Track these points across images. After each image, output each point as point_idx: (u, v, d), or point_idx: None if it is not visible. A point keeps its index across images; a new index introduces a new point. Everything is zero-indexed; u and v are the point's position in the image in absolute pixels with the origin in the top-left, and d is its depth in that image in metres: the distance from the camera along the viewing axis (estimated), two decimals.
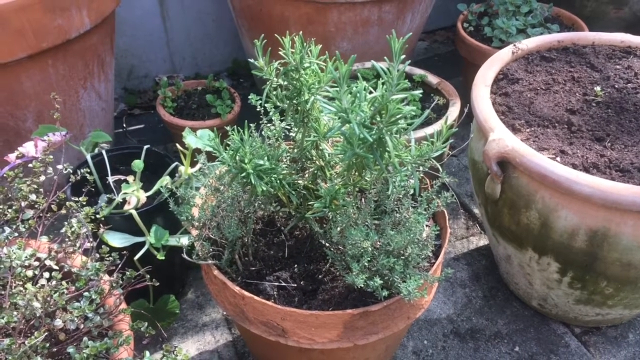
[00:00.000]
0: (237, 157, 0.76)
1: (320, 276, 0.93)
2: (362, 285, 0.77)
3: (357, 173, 0.86)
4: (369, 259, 0.79)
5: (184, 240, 1.16)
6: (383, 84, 0.69)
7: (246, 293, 0.85)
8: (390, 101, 0.69)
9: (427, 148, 0.77)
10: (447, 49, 2.36)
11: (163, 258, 1.13)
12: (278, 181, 0.82)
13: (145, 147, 1.22)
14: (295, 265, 0.95)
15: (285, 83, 0.84)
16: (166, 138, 1.74)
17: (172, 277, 1.30)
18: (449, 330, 1.25)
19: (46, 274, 0.80)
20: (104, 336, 0.77)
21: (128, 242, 1.10)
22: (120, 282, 0.79)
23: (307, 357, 0.94)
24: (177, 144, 1.04)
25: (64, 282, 0.79)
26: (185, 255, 0.88)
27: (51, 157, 0.94)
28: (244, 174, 0.75)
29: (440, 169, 0.86)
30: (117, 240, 1.09)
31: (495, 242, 1.25)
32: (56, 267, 0.83)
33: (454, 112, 1.43)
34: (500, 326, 1.26)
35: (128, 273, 0.80)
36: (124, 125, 1.84)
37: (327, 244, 0.96)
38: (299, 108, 0.84)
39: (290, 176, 0.87)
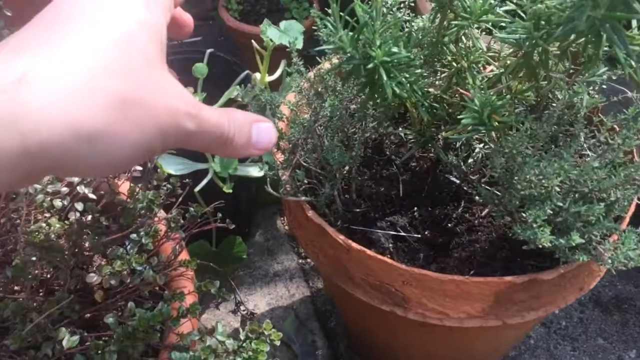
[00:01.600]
0: (362, 41, 0.49)
1: (450, 224, 0.67)
2: (547, 245, 0.50)
3: (525, 77, 0.58)
4: (557, 205, 0.51)
5: (254, 170, 0.92)
6: None
7: (354, 244, 0.60)
8: None
9: None
10: None
11: (230, 191, 0.89)
12: (409, 84, 0.54)
13: (209, 50, 0.96)
14: (415, 208, 0.68)
15: None
16: (229, 52, 1.48)
17: (237, 215, 1.06)
18: (587, 298, 0.98)
19: (79, 205, 0.56)
20: (158, 297, 0.53)
21: (187, 169, 0.86)
22: (182, 221, 0.55)
23: (427, 333, 0.70)
24: (254, 42, 0.78)
25: (102, 218, 0.55)
26: (269, 188, 0.63)
27: None
28: (370, 66, 0.48)
29: None
30: (174, 165, 0.85)
31: None
32: (93, 196, 0.60)
33: None
34: None
35: (192, 209, 0.55)
36: None
37: (458, 179, 0.69)
38: None
39: (422, 79, 0.59)
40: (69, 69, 0.30)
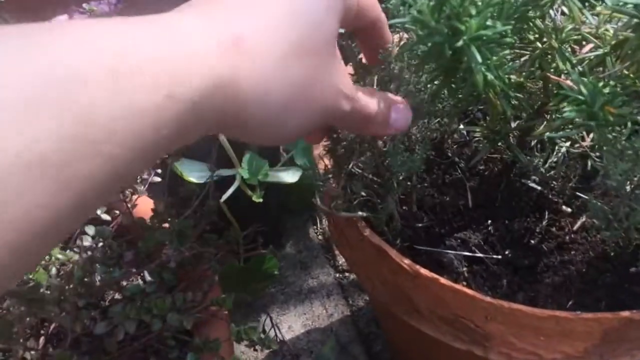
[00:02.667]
0: (446, 11, 0.37)
1: (533, 241, 0.55)
2: None
3: None
4: None
5: (287, 176, 0.81)
6: None
7: (423, 271, 0.48)
8: None
9: None
10: None
11: (260, 200, 0.78)
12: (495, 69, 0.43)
13: None
14: (489, 222, 0.57)
15: None
16: None
17: (266, 223, 0.95)
18: None
19: (89, 229, 0.45)
20: (186, 345, 0.42)
21: (211, 176, 0.75)
22: (213, 251, 0.44)
23: None
24: None
25: (114, 243, 0.44)
26: (319, 202, 0.52)
27: None
28: (459, 44, 0.36)
29: None
30: (196, 172, 0.74)
31: None
32: (107, 217, 0.49)
33: None
34: None
35: (229, 233, 0.44)
36: None
37: (539, 185, 0.57)
38: None
39: (507, 62, 0.47)
40: (276, 40, 0.33)
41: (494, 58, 0.41)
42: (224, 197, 0.76)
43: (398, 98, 0.45)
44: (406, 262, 0.49)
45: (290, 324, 0.86)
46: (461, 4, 0.37)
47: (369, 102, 0.42)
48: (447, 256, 0.52)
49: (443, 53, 0.38)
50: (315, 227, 1.01)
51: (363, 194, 0.52)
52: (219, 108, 0.31)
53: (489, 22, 0.37)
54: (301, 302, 0.89)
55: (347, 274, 0.94)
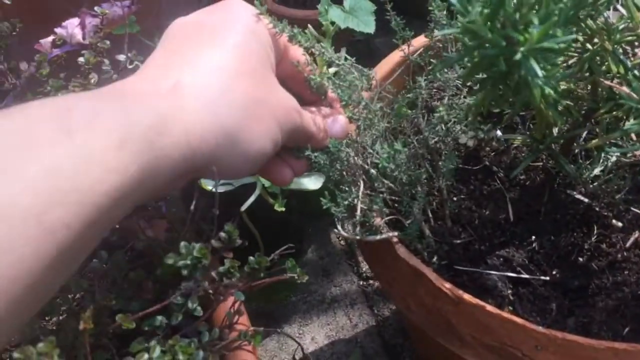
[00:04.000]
0: (501, 18, 0.33)
1: (582, 259, 0.51)
2: None
3: None
4: None
5: (310, 183, 0.77)
6: None
7: (466, 296, 0.45)
8: None
9: None
10: None
11: (283, 209, 0.75)
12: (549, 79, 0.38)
13: None
14: (533, 238, 0.53)
15: None
16: None
17: (287, 229, 0.91)
18: None
19: (101, 255, 0.42)
20: None
21: (231, 184, 0.72)
22: (237, 275, 0.40)
23: None
24: (310, 26, 0.62)
25: (132, 274, 0.41)
26: (341, 230, 0.49)
27: (107, 42, 0.55)
28: (517, 57, 0.32)
29: None
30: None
31: None
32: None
33: None
34: None
35: (253, 259, 0.41)
36: None
37: (587, 197, 0.53)
38: None
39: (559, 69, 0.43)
40: (209, 77, 0.36)
41: (550, 68, 0.37)
42: (245, 205, 0.72)
43: (333, 111, 0.50)
44: (447, 286, 0.45)
45: (314, 335, 0.83)
46: (518, 9, 0.33)
47: (312, 114, 0.46)
48: (490, 278, 0.48)
49: (497, 66, 0.34)
50: (336, 230, 0.97)
51: (386, 211, 0.49)
52: (176, 144, 0.32)
53: (551, 32, 0.33)
54: (324, 312, 0.86)
55: (371, 282, 0.90)
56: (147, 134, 0.31)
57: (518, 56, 0.32)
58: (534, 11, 0.33)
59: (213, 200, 0.59)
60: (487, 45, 0.33)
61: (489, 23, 0.33)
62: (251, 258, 0.41)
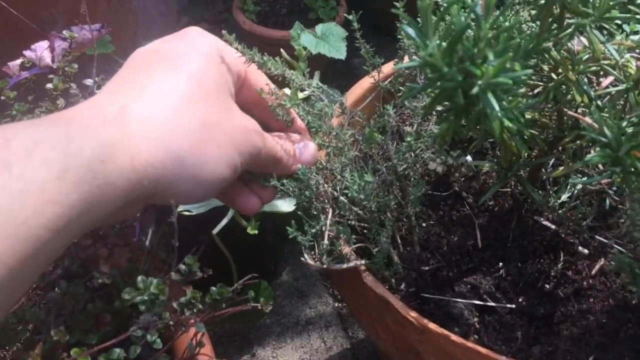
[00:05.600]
0: (459, 52, 0.33)
1: (548, 286, 0.51)
2: None
3: None
4: None
5: (284, 205, 0.77)
6: None
7: (432, 326, 0.44)
8: None
9: None
10: None
11: (256, 231, 0.74)
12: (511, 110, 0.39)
13: None
14: (500, 264, 0.53)
15: None
16: None
17: (262, 251, 0.91)
18: None
19: (60, 286, 0.41)
20: None
21: (204, 207, 0.71)
22: (199, 306, 0.40)
23: None
24: (282, 51, 0.62)
25: (91, 306, 0.40)
26: (308, 259, 0.49)
27: (75, 66, 0.55)
28: (474, 90, 0.32)
29: None
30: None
31: None
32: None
33: None
34: None
35: (215, 289, 0.40)
36: None
37: (554, 223, 0.53)
38: None
39: (522, 99, 0.43)
40: (157, 101, 0.36)
41: (510, 99, 0.37)
42: (217, 228, 0.72)
43: (302, 137, 0.50)
44: (413, 315, 0.45)
45: (287, 358, 0.82)
46: (475, 44, 0.33)
47: (277, 140, 0.45)
48: (456, 305, 0.48)
49: (456, 99, 0.34)
50: (313, 252, 0.96)
51: (354, 239, 0.49)
52: (121, 171, 0.32)
53: (507, 65, 0.33)
54: (298, 334, 0.85)
55: (345, 303, 0.89)
56: (89, 162, 0.30)
57: (475, 90, 0.32)
58: (491, 46, 0.33)
59: (186, 223, 0.59)
60: (446, 79, 0.33)
61: (447, 58, 0.33)
62: (213, 288, 0.40)
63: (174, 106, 0.36)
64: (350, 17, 0.50)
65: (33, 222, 0.27)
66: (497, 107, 0.33)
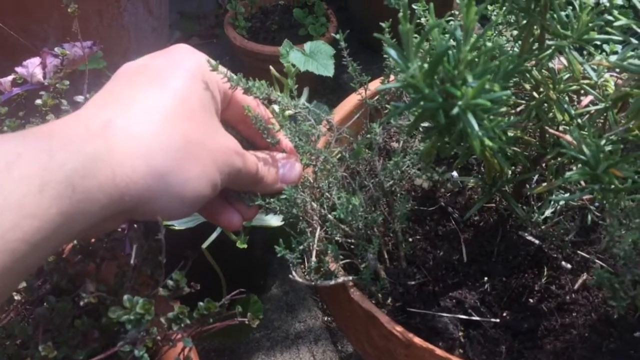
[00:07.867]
0: (440, 73, 0.34)
1: (532, 300, 0.52)
2: None
3: None
4: None
5: (273, 220, 0.77)
6: None
7: (416, 340, 0.45)
8: None
9: None
10: None
11: (245, 246, 0.75)
12: (492, 130, 0.40)
13: None
14: (485, 279, 0.54)
15: None
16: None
17: (251, 265, 0.91)
18: None
19: (49, 301, 0.41)
20: None
21: (193, 221, 0.71)
22: (187, 322, 0.40)
23: None
24: (272, 68, 0.63)
25: (78, 321, 0.40)
26: (296, 276, 0.49)
27: (67, 83, 0.55)
28: (455, 111, 0.33)
29: None
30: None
31: None
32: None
33: None
34: None
35: (202, 305, 0.41)
36: None
37: (538, 239, 0.54)
38: None
39: (503, 119, 0.44)
40: (142, 117, 0.36)
41: (491, 118, 0.38)
42: (207, 243, 0.72)
43: (287, 155, 0.49)
44: (398, 329, 0.46)
45: None
46: (455, 66, 0.34)
47: (259, 159, 0.45)
48: (442, 320, 0.49)
49: (438, 119, 0.35)
50: (303, 266, 0.97)
51: (341, 255, 0.49)
52: (102, 187, 0.32)
53: (486, 86, 0.35)
54: (287, 348, 0.85)
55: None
56: (70, 177, 0.30)
57: (455, 110, 0.33)
58: (471, 68, 0.34)
59: (176, 238, 0.59)
60: (427, 100, 0.34)
61: (428, 79, 0.34)
62: (200, 304, 0.41)
63: (158, 123, 0.36)
64: (337, 36, 0.51)
65: (11, 236, 0.27)
66: (476, 127, 0.34)
